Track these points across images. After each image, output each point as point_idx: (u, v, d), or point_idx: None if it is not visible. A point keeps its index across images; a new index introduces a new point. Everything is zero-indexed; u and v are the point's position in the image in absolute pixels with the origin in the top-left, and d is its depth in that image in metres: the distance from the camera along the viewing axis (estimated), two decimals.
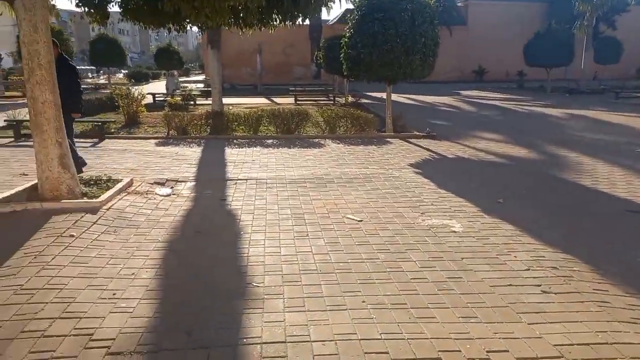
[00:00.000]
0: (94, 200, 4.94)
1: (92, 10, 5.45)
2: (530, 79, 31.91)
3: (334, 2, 6.27)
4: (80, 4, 5.51)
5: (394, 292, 3.27)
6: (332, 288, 3.31)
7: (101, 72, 52.64)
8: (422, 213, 5.14)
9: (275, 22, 5.52)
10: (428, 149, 9.37)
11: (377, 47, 9.95)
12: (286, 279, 3.44)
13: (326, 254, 3.94)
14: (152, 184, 6.15)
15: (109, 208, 4.88)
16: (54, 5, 5.04)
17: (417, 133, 11.10)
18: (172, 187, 6.08)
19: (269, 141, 10.03)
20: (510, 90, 28.73)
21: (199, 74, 59.87)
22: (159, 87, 26.95)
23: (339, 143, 9.87)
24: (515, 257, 3.98)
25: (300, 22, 5.81)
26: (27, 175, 6.60)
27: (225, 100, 15.27)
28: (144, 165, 7.39)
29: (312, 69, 37.57)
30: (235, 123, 10.78)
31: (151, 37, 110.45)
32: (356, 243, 4.22)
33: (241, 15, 4.92)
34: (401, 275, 3.55)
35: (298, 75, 37.76)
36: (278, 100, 21.69)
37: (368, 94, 23.14)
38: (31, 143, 9.75)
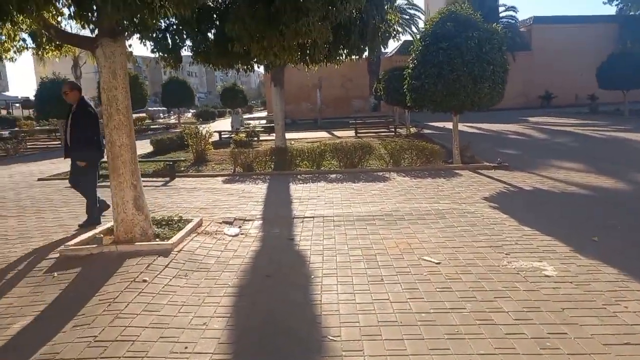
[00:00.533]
0: (166, 242, 4.95)
1: (166, 55, 5.65)
2: (604, 102, 29.94)
3: (402, 34, 6.09)
4: (156, 50, 5.73)
5: (488, 350, 2.89)
6: (416, 344, 2.98)
7: (171, 112, 55.89)
8: (506, 254, 4.69)
9: (341, 57, 5.45)
10: (501, 181, 8.80)
11: (443, 77, 9.67)
12: (365, 332, 3.15)
13: (405, 302, 3.62)
14: (220, 223, 6.14)
15: (180, 250, 4.86)
16: (131, 52, 5.23)
17: (488, 164, 10.53)
18: (240, 227, 6.04)
19: (333, 176, 9.90)
20: (582, 115, 27.07)
21: (261, 110, 61.94)
22: (224, 124, 28.04)
23: (404, 176, 9.54)
24: (626, 307, 3.45)
25: (367, 55, 5.68)
26: (104, 216, 6.83)
27: (288, 135, 15.60)
28: (213, 204, 7.46)
29: (370, 101, 37.68)
30: (299, 158, 10.78)
31: (217, 77, 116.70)
32: (437, 289, 3.86)
33: (308, 52, 4.91)
34: (494, 329, 3.16)
35: (357, 108, 37.95)
36: (338, 133, 21.75)
37: (430, 124, 22.66)
38: (109, 184, 10.27)
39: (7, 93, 60.17)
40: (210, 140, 13.91)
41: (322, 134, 21.82)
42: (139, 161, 12.37)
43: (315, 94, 29.29)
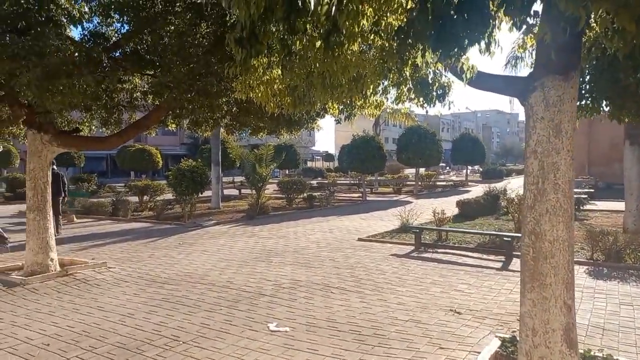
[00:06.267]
0: None
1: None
2: None
3: None
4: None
5: None
6: None
7: (447, 168, 54.76)
8: None
9: None
10: None
11: None
12: None
13: None
14: None
15: None
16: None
17: None
18: None
19: None
20: None
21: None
22: (516, 185, 24.76)
23: None
24: None
25: None
26: (460, 313, 5.19)
27: (607, 205, 13.11)
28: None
29: None
30: None
31: (493, 133, 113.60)
32: None
33: None
34: None
35: None
36: None
37: None
38: (436, 257, 8.39)
39: (313, 148, 71.37)
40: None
41: None
42: (452, 230, 10.55)
43: None
